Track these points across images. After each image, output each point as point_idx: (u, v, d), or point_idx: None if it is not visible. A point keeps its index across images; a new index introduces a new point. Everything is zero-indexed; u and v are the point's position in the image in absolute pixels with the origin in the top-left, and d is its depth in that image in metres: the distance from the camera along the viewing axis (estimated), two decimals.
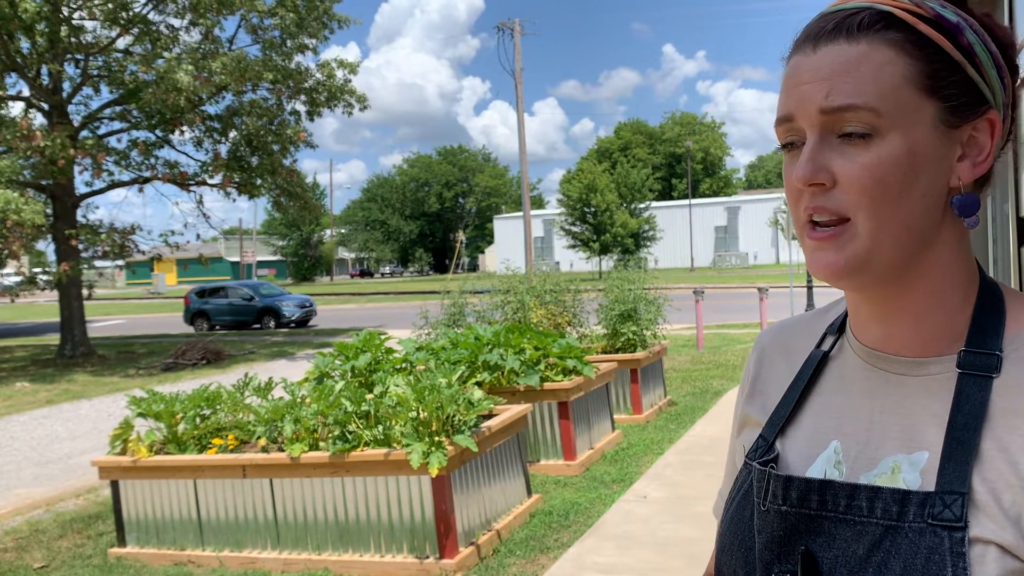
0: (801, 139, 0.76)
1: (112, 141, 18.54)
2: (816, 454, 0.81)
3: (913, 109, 0.72)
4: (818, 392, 0.86)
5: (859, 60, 0.72)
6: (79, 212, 18.15)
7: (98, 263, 19.82)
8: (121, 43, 17.93)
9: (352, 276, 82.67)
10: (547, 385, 6.54)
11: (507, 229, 62.39)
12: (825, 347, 0.89)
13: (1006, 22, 1.94)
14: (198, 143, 19.11)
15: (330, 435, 4.89)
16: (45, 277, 18.80)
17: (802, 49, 0.75)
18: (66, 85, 17.98)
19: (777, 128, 0.78)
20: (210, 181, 18.96)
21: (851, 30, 0.73)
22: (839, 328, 0.89)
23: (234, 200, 19.79)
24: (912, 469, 0.74)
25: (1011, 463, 0.69)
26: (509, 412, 5.42)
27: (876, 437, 0.78)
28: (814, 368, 0.87)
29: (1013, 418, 0.71)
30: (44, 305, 41.70)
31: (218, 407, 5.47)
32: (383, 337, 6.86)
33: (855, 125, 0.72)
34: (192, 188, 19.29)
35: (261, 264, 69.76)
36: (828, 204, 0.73)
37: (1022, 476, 0.68)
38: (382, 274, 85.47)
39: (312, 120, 19.30)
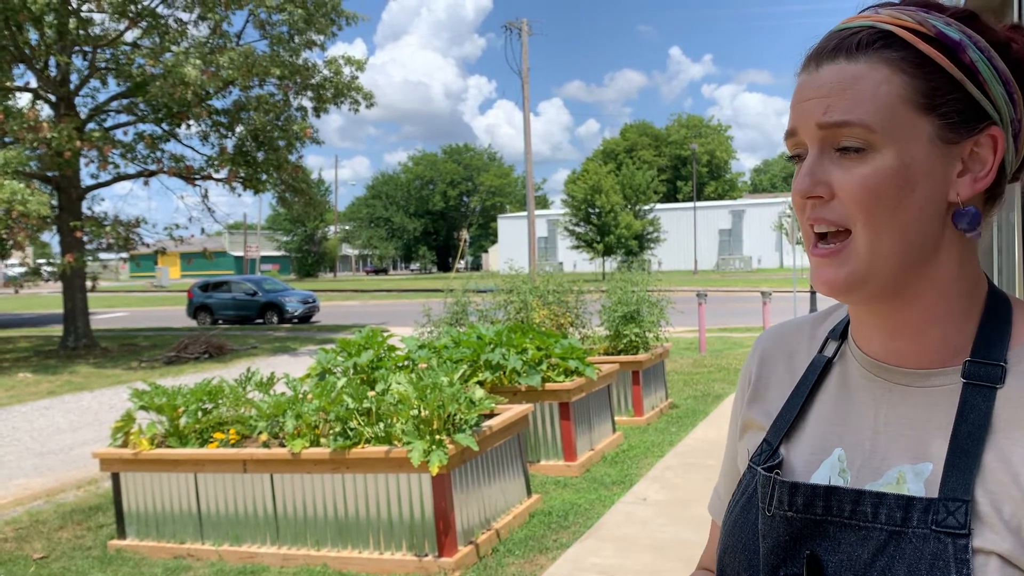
0: (806, 152, 0.79)
1: (118, 134, 18.57)
2: (819, 460, 0.82)
3: (909, 125, 0.74)
4: (822, 398, 0.87)
5: (856, 78, 0.75)
6: (84, 204, 18.19)
7: (102, 255, 19.87)
8: (129, 36, 17.97)
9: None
10: (548, 385, 6.54)
11: (511, 229, 62.39)
12: (828, 352, 0.89)
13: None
14: (204, 137, 19.15)
15: (331, 431, 4.89)
16: (49, 268, 18.88)
17: (807, 68, 0.79)
18: (74, 77, 18.01)
19: (786, 142, 0.82)
20: (215, 175, 18.99)
21: (850, 50, 0.76)
22: (841, 334, 0.89)
23: (239, 195, 19.87)
24: (917, 480, 0.74)
25: (1012, 474, 0.70)
26: (510, 412, 5.43)
27: (881, 447, 0.78)
28: (818, 373, 0.88)
29: (1015, 430, 0.71)
30: (48, 296, 41.78)
31: (220, 401, 5.48)
32: (385, 334, 6.87)
33: (850, 140, 0.74)
34: (197, 182, 19.33)
35: (265, 259, 69.87)
36: (827, 215, 0.77)
37: (1023, 488, 0.69)
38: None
39: (318, 116, 19.35)
